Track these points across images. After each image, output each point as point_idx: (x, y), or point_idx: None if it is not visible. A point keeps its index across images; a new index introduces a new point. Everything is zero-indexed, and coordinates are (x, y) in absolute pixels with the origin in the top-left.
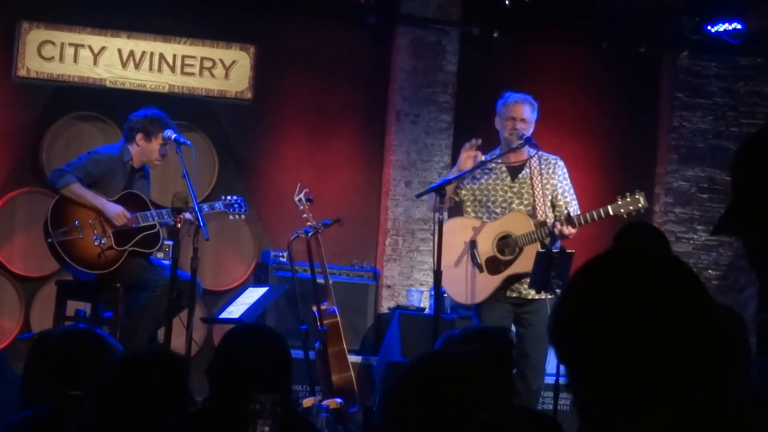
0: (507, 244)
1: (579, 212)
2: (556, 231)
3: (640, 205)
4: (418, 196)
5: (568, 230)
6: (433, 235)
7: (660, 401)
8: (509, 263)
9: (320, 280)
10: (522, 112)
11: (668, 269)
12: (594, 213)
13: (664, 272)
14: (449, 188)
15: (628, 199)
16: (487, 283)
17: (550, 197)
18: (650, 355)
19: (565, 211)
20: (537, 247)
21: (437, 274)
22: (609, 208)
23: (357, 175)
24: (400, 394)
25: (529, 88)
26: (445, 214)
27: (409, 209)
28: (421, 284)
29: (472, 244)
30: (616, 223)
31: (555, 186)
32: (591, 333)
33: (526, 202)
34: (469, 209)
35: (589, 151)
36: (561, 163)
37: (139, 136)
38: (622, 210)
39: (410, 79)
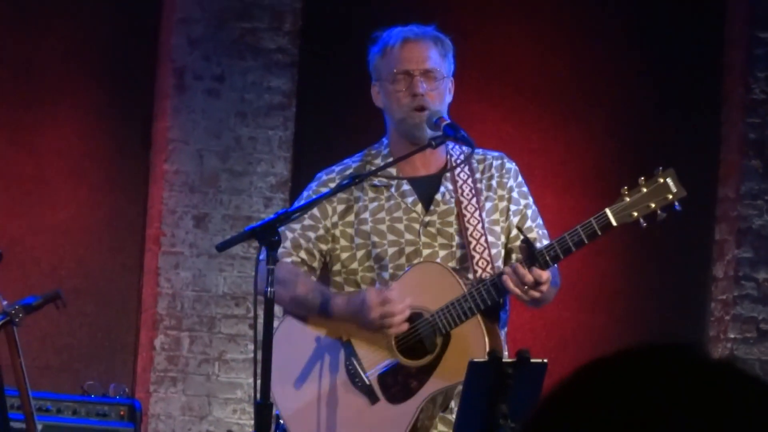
0: (418, 332)
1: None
2: (510, 280)
3: (670, 195)
4: (222, 247)
5: (534, 275)
6: (254, 327)
7: None
8: (428, 371)
9: (17, 423)
10: (424, 60)
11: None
12: (580, 230)
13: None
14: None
15: (645, 189)
16: (393, 422)
17: (502, 237)
18: None
19: (522, 243)
20: (478, 325)
21: (263, 410)
22: (608, 213)
23: (94, 201)
24: None
25: (442, 23)
26: None
27: (203, 275)
28: None
29: (348, 349)
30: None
31: (506, 211)
32: None
33: (453, 249)
34: (338, 275)
35: (569, 144)
36: (511, 165)
37: None
38: (635, 211)
39: (206, 5)
